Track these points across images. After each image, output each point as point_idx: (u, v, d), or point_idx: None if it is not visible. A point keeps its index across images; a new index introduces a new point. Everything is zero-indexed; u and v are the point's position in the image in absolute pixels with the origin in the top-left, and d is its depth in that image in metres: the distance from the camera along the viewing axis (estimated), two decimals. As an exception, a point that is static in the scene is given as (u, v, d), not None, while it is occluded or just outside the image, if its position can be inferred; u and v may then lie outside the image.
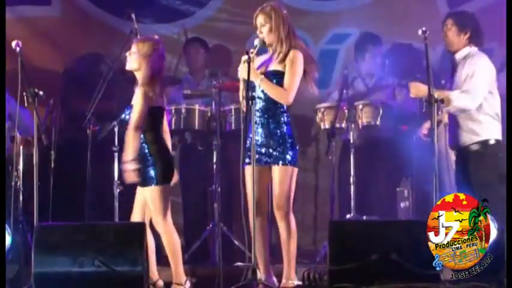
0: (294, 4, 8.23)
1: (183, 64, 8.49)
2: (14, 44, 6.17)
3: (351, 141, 7.68)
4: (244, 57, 6.01)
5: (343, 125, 7.67)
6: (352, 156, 7.66)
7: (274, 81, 6.13)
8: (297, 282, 6.14)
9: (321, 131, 7.99)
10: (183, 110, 7.62)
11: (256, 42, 6.14)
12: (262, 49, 6.20)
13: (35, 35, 8.29)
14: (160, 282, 6.10)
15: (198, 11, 8.67)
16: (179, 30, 8.66)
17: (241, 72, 6.04)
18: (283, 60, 6.14)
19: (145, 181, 5.99)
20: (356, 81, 7.99)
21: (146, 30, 8.16)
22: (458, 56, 6.58)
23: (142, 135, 5.98)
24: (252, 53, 6.04)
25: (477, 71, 6.43)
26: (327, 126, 7.62)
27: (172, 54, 8.50)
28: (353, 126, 7.66)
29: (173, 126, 7.59)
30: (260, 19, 6.17)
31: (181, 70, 8.49)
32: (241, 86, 6.14)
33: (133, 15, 7.56)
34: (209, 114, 7.64)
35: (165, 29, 8.61)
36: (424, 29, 6.09)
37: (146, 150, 6.00)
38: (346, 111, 7.64)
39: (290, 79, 6.12)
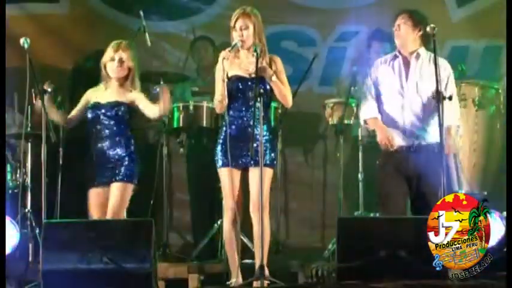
0: (300, 2, 8.34)
1: (191, 61, 8.47)
2: (21, 41, 6.18)
3: (359, 138, 7.66)
4: (223, 54, 6.07)
5: (352, 122, 7.65)
6: (360, 154, 7.66)
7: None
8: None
9: (329, 128, 7.98)
10: (191, 107, 7.61)
11: (236, 42, 6.14)
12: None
13: (43, 32, 8.28)
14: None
15: (206, 9, 8.65)
16: (187, 28, 8.63)
17: (219, 71, 6.10)
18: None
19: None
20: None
21: (154, 27, 8.18)
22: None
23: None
24: (230, 52, 6.08)
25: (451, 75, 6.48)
26: (336, 121, 7.64)
27: (181, 52, 8.51)
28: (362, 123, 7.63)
29: (181, 123, 7.61)
30: (241, 22, 6.14)
31: (189, 67, 8.47)
32: (220, 86, 6.11)
33: (141, 13, 7.57)
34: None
35: (173, 27, 8.61)
36: (432, 25, 6.11)
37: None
38: (354, 108, 7.55)
39: (285, 82, 6.19)
